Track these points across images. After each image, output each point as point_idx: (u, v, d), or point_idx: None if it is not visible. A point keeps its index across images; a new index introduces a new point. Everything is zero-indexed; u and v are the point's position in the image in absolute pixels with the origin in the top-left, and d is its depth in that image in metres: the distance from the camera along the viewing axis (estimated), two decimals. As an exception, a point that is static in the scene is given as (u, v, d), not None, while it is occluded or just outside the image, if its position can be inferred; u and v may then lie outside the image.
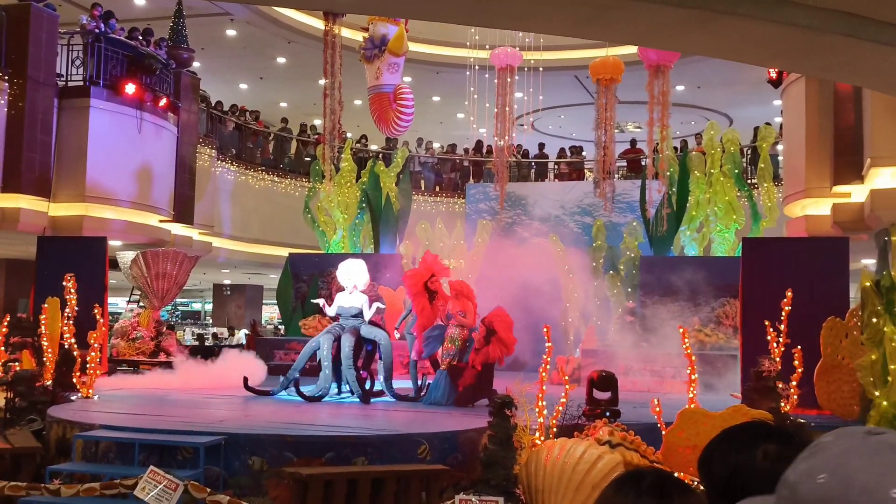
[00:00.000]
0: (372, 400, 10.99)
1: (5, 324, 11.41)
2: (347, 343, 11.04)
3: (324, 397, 10.97)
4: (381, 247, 17.49)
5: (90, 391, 10.53)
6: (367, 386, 11.31)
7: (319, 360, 11.17)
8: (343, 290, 11.67)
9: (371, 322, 11.49)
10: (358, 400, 10.81)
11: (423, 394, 11.19)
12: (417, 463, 7.80)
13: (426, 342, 11.40)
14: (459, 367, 10.83)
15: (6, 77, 14.50)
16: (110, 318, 14.32)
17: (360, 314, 11.35)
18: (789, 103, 15.92)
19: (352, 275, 11.60)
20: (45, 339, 10.89)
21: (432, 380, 11.22)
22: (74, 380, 10.48)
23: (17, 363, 11.22)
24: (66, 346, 10.68)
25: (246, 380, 11.26)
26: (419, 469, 7.63)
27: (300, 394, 10.86)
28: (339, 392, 11.50)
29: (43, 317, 11.01)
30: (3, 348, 11.22)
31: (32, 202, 14.85)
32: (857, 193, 13.83)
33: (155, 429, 8.21)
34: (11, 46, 14.70)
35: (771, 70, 16.16)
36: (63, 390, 10.34)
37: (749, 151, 20.34)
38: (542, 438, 7.33)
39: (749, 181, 18.01)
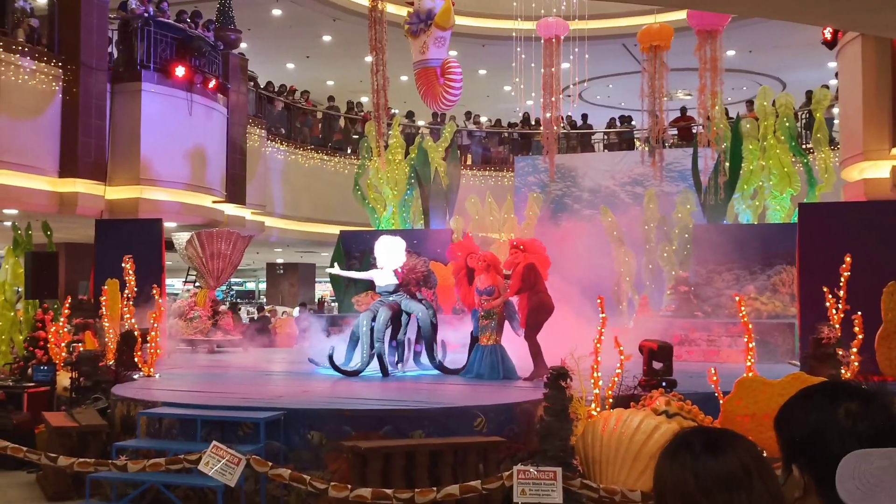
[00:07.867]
0: (400, 373, 10.99)
1: (67, 306, 11.69)
2: (383, 316, 10.99)
3: (360, 372, 10.84)
4: (431, 222, 17.51)
5: (151, 370, 10.75)
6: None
7: (357, 335, 11.13)
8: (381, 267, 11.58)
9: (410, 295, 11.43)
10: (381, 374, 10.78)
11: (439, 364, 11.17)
12: (474, 435, 7.83)
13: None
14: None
15: (60, 63, 14.76)
16: (168, 298, 14.57)
17: (397, 289, 11.33)
18: (845, 64, 15.52)
19: (387, 253, 11.57)
20: (106, 319, 11.13)
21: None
22: (136, 359, 10.70)
23: (80, 344, 11.49)
24: (127, 327, 10.91)
25: (331, 358, 10.86)
26: (476, 441, 7.67)
27: (336, 368, 10.74)
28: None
29: (103, 298, 11.24)
30: (66, 330, 11.49)
31: (89, 186, 15.14)
32: (917, 155, 13.51)
33: (216, 405, 8.36)
34: (64, 33, 14.97)
35: (826, 31, 15.76)
36: (125, 369, 10.56)
37: (804, 116, 19.90)
38: (598, 409, 7.31)
39: (804, 146, 17.63)
